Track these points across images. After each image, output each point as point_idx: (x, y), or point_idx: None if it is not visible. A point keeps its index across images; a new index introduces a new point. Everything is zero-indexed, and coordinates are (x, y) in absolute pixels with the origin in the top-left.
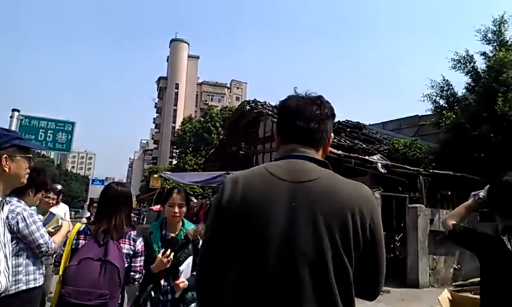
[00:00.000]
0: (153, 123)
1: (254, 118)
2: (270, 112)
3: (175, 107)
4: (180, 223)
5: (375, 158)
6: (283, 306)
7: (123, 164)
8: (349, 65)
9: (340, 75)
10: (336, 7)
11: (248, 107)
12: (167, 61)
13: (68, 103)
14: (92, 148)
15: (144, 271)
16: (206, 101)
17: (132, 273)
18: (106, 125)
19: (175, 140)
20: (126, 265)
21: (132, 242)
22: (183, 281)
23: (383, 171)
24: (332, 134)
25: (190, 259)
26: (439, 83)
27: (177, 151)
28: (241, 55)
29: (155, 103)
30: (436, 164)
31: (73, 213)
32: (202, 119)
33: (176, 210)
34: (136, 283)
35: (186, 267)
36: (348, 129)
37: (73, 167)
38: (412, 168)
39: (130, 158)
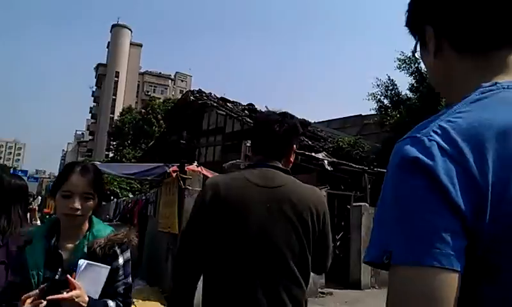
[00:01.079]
0: (90, 112)
1: (198, 109)
2: (215, 104)
3: (114, 97)
4: (86, 227)
5: (320, 156)
6: (260, 282)
7: (55, 156)
8: (294, 64)
9: (286, 72)
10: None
11: (191, 98)
12: (107, 47)
13: None
14: (22, 138)
15: None
16: (148, 92)
17: None
18: (38, 115)
19: (112, 131)
20: None
21: None
22: (78, 289)
23: (329, 168)
24: (295, 146)
25: (106, 270)
26: (384, 82)
27: (114, 143)
28: (187, 47)
29: (93, 91)
30: (378, 163)
31: None
32: (143, 110)
33: (77, 204)
34: None
35: (95, 272)
36: None
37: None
38: (358, 166)
39: (63, 150)
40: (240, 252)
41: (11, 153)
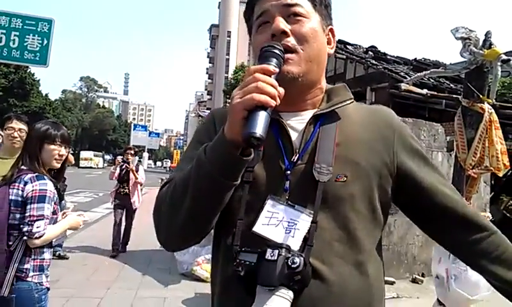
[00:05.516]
0: (207, 73)
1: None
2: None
3: (227, 56)
4: None
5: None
6: None
7: (181, 116)
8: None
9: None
10: None
11: None
12: (218, 7)
13: (125, 58)
14: (152, 101)
15: (39, 223)
16: None
17: (21, 226)
18: (165, 79)
19: (227, 89)
20: (18, 215)
21: (22, 185)
22: None
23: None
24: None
25: None
26: None
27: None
28: None
29: (208, 53)
30: None
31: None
32: None
33: None
34: (27, 238)
35: None
36: (429, 67)
37: (134, 119)
38: None
39: (186, 111)
40: None
41: (142, 114)
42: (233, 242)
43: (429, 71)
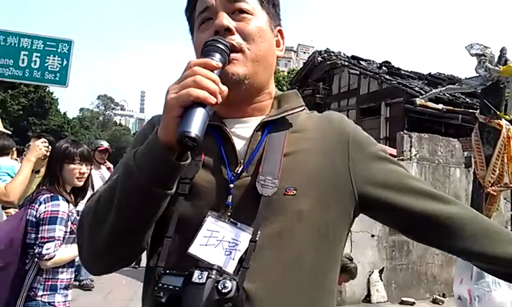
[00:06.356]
0: None
1: (326, 71)
2: (346, 63)
3: None
4: None
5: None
6: None
7: None
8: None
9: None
10: None
11: (319, 59)
12: None
13: (141, 76)
14: None
15: (49, 245)
16: None
17: (34, 247)
18: None
19: None
20: (34, 235)
21: (37, 206)
22: None
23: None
24: None
25: None
26: None
27: None
28: (307, 17)
29: None
30: None
31: None
32: None
33: None
34: (37, 259)
35: None
36: (444, 82)
37: None
38: None
39: None
40: None
41: None
42: (157, 263)
43: (444, 88)
